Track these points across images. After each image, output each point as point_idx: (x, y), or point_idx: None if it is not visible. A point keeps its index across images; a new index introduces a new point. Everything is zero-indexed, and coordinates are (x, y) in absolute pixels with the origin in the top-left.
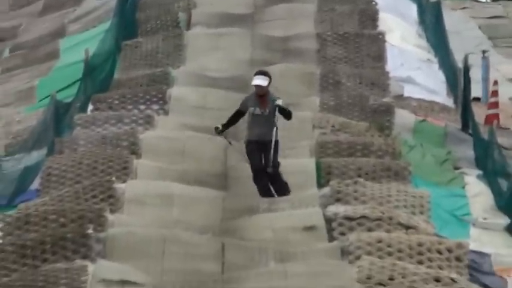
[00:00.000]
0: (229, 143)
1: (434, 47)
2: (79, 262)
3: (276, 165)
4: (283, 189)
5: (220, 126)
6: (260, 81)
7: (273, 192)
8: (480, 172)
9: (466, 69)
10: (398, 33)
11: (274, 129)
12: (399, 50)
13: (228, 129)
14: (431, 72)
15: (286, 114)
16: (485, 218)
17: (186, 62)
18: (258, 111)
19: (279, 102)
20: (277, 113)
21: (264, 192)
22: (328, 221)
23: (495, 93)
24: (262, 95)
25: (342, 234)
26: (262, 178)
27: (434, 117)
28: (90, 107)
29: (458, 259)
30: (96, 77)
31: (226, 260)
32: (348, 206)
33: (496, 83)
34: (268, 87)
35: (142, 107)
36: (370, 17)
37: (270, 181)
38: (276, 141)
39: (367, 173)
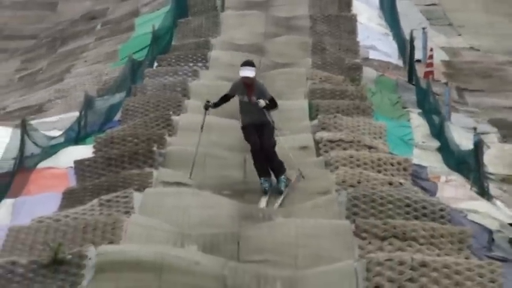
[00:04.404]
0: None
1: (390, 25)
2: (147, 169)
3: (272, 144)
4: (279, 167)
5: (210, 102)
6: (248, 72)
7: (270, 172)
8: (420, 110)
9: (411, 40)
10: (365, 15)
11: (265, 112)
12: (366, 27)
13: (216, 107)
14: (387, 42)
15: (273, 106)
16: (423, 142)
17: (221, 34)
18: (246, 99)
19: (262, 103)
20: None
21: (263, 172)
22: (316, 142)
23: (431, 57)
24: (249, 84)
25: (326, 152)
26: (260, 159)
27: (389, 73)
28: (155, 64)
29: (404, 169)
30: (160, 43)
31: (247, 169)
32: (330, 132)
33: (431, 50)
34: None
35: (191, 64)
36: (346, 3)
37: (267, 161)
38: (271, 122)
39: (343, 110)
